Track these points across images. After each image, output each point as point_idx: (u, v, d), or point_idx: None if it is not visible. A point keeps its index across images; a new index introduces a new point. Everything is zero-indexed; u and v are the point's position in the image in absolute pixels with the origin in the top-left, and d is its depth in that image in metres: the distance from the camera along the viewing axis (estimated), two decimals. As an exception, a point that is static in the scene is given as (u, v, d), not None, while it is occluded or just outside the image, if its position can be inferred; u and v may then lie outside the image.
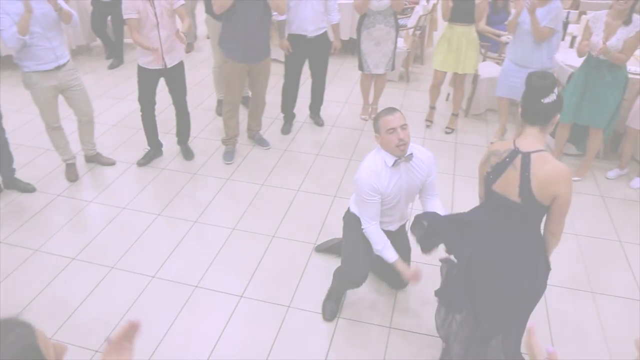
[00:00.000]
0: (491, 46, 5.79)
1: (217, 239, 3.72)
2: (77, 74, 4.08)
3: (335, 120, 5.48)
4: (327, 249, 3.56)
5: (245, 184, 4.35)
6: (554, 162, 2.12)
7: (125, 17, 3.93)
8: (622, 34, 3.86)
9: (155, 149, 4.67)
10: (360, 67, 5.14)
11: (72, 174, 4.37)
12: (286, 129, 5.22)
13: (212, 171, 4.54)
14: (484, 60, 5.79)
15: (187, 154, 4.72)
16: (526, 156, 2.11)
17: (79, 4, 6.74)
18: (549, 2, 4.21)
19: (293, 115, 5.31)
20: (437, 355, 2.83)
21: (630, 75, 4.32)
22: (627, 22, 3.84)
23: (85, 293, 3.22)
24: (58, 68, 3.90)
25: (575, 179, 4.44)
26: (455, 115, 5.32)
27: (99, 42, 7.28)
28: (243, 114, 5.03)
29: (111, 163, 4.59)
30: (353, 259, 2.89)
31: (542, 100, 2.11)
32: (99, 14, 6.52)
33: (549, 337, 2.98)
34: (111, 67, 6.76)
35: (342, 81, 6.50)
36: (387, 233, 2.86)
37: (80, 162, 4.55)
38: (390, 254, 2.75)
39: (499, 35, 5.79)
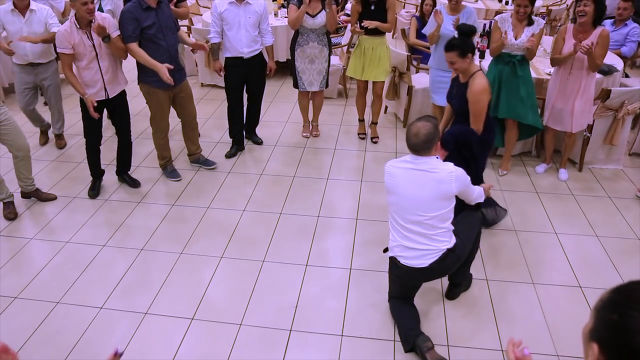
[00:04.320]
0: (423, 58, 6.01)
1: (165, 264, 3.70)
2: (3, 108, 3.99)
3: (278, 140, 5.55)
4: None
5: (191, 209, 4.35)
6: None
7: (59, 50, 3.94)
8: (529, 32, 4.27)
9: (98, 179, 4.61)
10: (295, 85, 5.24)
11: (10, 213, 4.24)
12: (231, 153, 5.20)
13: (157, 198, 4.51)
14: (417, 72, 6.00)
15: (133, 182, 4.68)
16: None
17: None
18: (462, 9, 4.55)
19: (242, 139, 5.30)
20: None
21: (547, 77, 4.71)
22: (530, 23, 4.29)
23: (29, 332, 3.13)
24: None
25: (502, 173, 4.81)
26: (374, 124, 5.51)
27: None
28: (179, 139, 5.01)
29: (52, 198, 4.48)
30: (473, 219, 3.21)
31: None
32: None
33: (495, 331, 3.10)
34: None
35: (282, 101, 6.59)
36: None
37: (19, 200, 4.43)
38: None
39: (429, 47, 6.02)
